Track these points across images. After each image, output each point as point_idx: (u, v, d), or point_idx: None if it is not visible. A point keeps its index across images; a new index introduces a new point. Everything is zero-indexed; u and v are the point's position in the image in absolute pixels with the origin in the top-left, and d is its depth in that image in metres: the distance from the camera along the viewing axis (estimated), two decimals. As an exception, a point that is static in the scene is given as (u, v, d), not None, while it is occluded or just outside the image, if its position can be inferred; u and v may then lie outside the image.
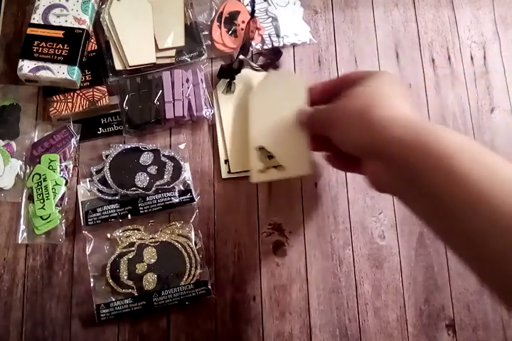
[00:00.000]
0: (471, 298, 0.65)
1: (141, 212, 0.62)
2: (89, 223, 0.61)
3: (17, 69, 0.63)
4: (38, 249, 0.62)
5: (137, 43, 0.68)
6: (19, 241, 0.62)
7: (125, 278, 0.60)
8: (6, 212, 0.63)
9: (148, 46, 0.68)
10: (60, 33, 0.65)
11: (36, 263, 0.62)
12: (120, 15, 0.69)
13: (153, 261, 0.61)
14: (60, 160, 0.64)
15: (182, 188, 0.64)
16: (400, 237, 0.66)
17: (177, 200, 0.62)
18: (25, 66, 0.63)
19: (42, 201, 0.62)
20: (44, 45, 0.64)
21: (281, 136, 0.58)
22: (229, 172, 0.66)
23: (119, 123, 0.66)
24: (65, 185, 0.63)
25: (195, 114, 0.66)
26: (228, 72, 0.67)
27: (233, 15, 0.72)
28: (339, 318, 0.62)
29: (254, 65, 0.68)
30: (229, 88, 0.68)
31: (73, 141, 0.65)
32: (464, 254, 0.31)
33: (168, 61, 0.68)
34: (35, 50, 0.63)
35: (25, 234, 0.62)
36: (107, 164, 0.64)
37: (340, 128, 0.45)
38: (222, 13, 0.72)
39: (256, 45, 0.71)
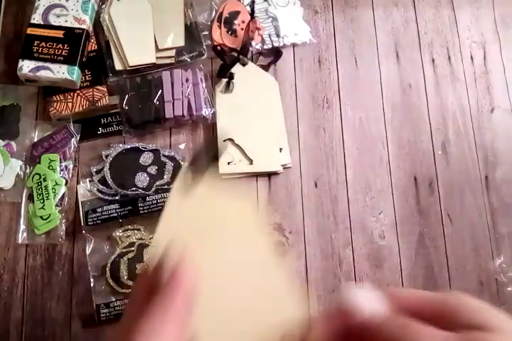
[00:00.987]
0: (471, 298, 0.64)
1: (141, 212, 0.62)
2: (89, 223, 0.61)
3: (17, 69, 0.63)
4: (38, 249, 0.62)
5: (137, 43, 0.68)
6: (19, 241, 0.61)
7: (125, 278, 0.60)
8: (6, 212, 0.63)
9: (148, 46, 0.68)
10: (60, 33, 0.65)
11: (36, 263, 0.62)
12: (120, 15, 0.69)
13: (153, 261, 0.61)
14: (60, 160, 0.64)
15: (182, 188, 0.64)
16: (400, 237, 0.66)
17: (177, 200, 0.62)
18: (25, 66, 0.63)
19: (42, 201, 0.62)
20: (44, 45, 0.64)
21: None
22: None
23: (119, 123, 0.66)
24: (65, 185, 0.63)
25: (194, 113, 0.66)
26: (226, 70, 0.68)
27: (233, 15, 0.72)
28: (339, 318, 0.62)
29: (246, 60, 0.68)
30: (228, 87, 0.68)
31: (73, 141, 0.65)
32: None
33: (168, 61, 0.68)
34: (35, 50, 0.63)
35: (25, 234, 0.62)
36: (107, 164, 0.64)
37: None
38: (222, 13, 0.72)
39: (256, 45, 0.71)
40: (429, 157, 0.70)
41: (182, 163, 0.64)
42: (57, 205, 0.62)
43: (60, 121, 0.66)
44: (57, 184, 0.63)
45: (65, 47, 0.64)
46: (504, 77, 0.75)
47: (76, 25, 0.65)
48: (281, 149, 0.66)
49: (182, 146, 0.66)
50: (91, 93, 0.66)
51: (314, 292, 0.63)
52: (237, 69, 0.68)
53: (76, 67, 0.63)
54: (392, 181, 0.68)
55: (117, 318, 0.59)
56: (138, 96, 0.66)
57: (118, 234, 0.62)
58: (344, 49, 0.74)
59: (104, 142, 0.67)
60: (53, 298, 0.61)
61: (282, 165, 0.66)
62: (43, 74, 0.63)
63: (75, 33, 0.65)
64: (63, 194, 0.63)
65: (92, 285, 0.60)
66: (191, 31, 0.70)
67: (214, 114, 0.67)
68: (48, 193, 0.62)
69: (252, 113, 0.66)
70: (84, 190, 0.63)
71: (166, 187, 0.63)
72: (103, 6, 0.69)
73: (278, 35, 0.72)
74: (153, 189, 0.62)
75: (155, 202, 0.62)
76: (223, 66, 0.68)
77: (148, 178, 0.63)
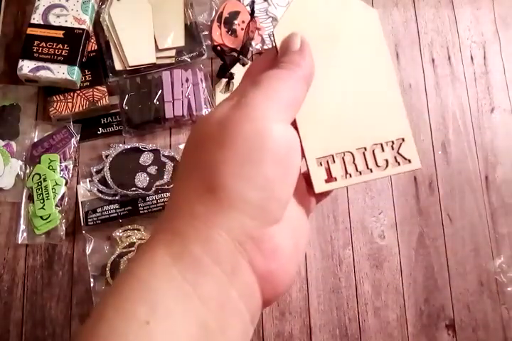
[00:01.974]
0: (471, 298, 0.65)
1: (141, 212, 0.62)
2: (89, 223, 0.61)
3: (17, 69, 0.63)
4: (38, 249, 0.62)
5: (137, 43, 0.68)
6: (19, 241, 0.62)
7: (125, 278, 0.60)
8: (6, 212, 0.63)
9: (148, 46, 0.68)
10: (60, 33, 0.65)
11: (36, 263, 0.62)
12: (120, 15, 0.69)
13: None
14: (60, 160, 0.64)
15: (182, 188, 0.64)
16: (400, 237, 0.66)
17: (177, 200, 0.62)
18: (25, 66, 0.63)
19: (42, 201, 0.62)
20: (44, 45, 0.64)
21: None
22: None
23: (119, 123, 0.66)
24: (65, 185, 0.63)
25: (194, 113, 0.66)
26: (226, 70, 0.68)
27: (233, 16, 0.72)
28: (339, 318, 0.62)
29: (246, 60, 0.68)
30: (228, 87, 0.68)
31: (73, 141, 0.65)
32: None
33: (168, 61, 0.68)
34: (35, 50, 0.63)
35: (25, 234, 0.62)
36: (107, 164, 0.64)
37: None
38: (222, 13, 0.72)
39: (256, 45, 0.71)
40: (429, 157, 0.70)
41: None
42: (57, 205, 0.62)
43: (60, 121, 0.66)
44: (57, 184, 0.63)
45: (65, 48, 0.64)
46: (504, 77, 0.75)
47: (76, 25, 0.65)
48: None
49: (182, 146, 0.66)
50: (91, 93, 0.66)
51: (314, 292, 0.63)
52: (237, 69, 0.68)
53: (76, 67, 0.63)
54: (392, 181, 0.68)
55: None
56: (138, 96, 0.66)
57: (118, 234, 0.62)
58: (344, 49, 0.74)
59: (104, 142, 0.67)
60: (53, 298, 0.61)
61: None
62: (43, 74, 0.63)
63: (75, 33, 0.65)
64: (63, 194, 0.63)
65: (92, 285, 0.60)
66: (191, 31, 0.70)
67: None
68: (48, 193, 0.62)
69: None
70: (84, 190, 0.63)
71: (166, 187, 0.63)
72: (103, 6, 0.69)
73: (278, 35, 0.72)
74: (153, 189, 0.62)
75: (155, 202, 0.62)
76: (223, 66, 0.68)
77: (148, 178, 0.63)
